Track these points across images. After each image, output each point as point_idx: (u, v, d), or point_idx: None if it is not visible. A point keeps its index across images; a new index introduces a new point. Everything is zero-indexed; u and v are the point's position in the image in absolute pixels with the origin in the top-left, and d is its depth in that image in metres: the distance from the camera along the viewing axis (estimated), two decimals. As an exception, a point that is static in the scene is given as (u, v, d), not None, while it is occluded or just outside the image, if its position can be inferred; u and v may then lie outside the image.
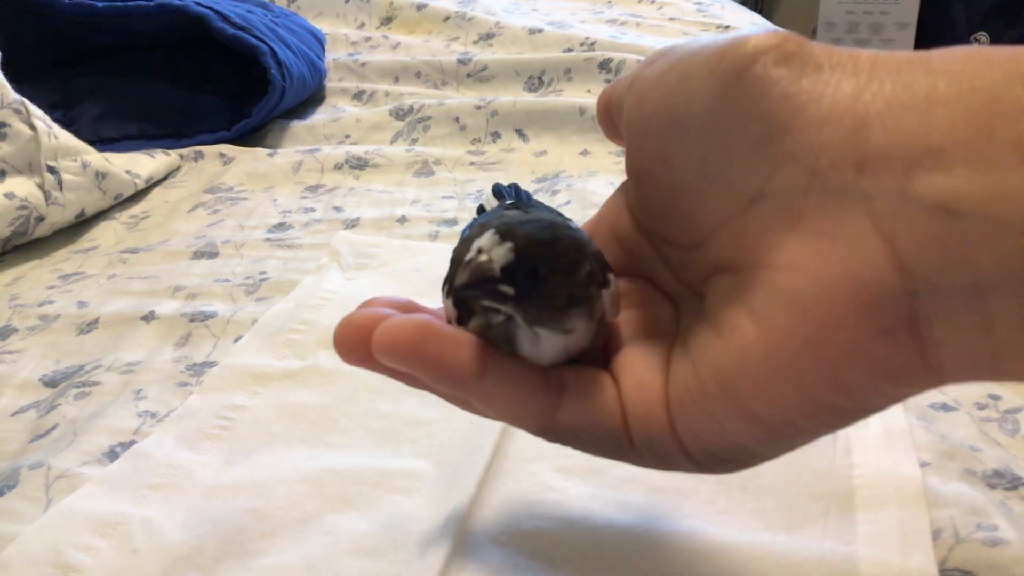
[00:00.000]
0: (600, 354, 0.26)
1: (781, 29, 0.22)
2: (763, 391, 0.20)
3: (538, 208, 0.29)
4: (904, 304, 0.19)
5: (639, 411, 0.23)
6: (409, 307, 0.26)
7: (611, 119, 0.28)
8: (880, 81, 0.20)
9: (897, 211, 0.19)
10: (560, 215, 0.28)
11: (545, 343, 0.24)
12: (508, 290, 0.22)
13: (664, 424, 0.23)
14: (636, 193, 0.27)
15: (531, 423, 0.24)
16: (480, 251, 0.23)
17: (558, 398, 0.24)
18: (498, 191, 0.36)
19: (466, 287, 0.22)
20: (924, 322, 0.19)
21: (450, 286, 0.25)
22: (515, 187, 0.37)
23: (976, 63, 0.19)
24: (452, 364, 0.22)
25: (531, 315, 0.23)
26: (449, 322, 0.25)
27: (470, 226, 0.30)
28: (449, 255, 0.27)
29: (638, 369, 0.24)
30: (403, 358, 0.22)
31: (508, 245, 0.22)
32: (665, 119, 0.23)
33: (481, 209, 0.36)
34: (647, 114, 0.24)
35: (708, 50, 0.22)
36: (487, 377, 0.23)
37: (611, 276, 0.25)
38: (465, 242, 0.25)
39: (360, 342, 0.23)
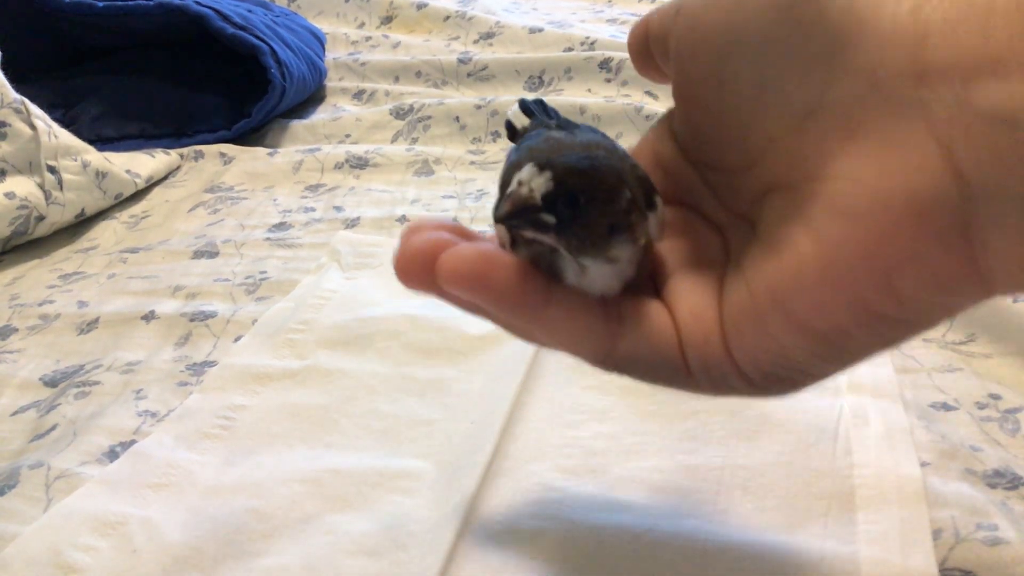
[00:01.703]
0: (649, 282, 0.26)
1: None
2: (818, 303, 0.21)
3: (582, 130, 0.28)
4: (958, 210, 0.19)
5: (695, 338, 0.24)
6: (460, 231, 0.26)
7: (647, 50, 0.28)
8: None
9: (955, 119, 0.19)
10: (605, 138, 0.28)
11: (593, 273, 0.24)
12: (549, 219, 0.23)
13: (720, 348, 0.23)
14: (684, 118, 0.27)
15: (591, 352, 0.24)
16: (520, 183, 0.23)
17: (618, 327, 0.24)
18: (526, 107, 0.34)
19: (508, 217, 0.23)
20: (977, 229, 0.19)
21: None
22: (541, 103, 0.35)
23: None
24: (517, 293, 0.23)
25: (573, 245, 0.23)
26: (502, 247, 0.25)
27: (516, 150, 0.29)
28: None
29: (691, 297, 0.24)
30: (469, 286, 0.23)
31: (547, 175, 0.22)
32: (721, 39, 0.23)
33: (510, 125, 0.35)
34: (700, 36, 0.24)
35: None
36: (551, 305, 0.23)
37: (658, 199, 0.25)
38: (511, 168, 0.25)
39: (423, 268, 0.23)
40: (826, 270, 0.20)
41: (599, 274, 0.24)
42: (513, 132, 0.35)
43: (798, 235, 0.21)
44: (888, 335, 0.21)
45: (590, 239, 0.23)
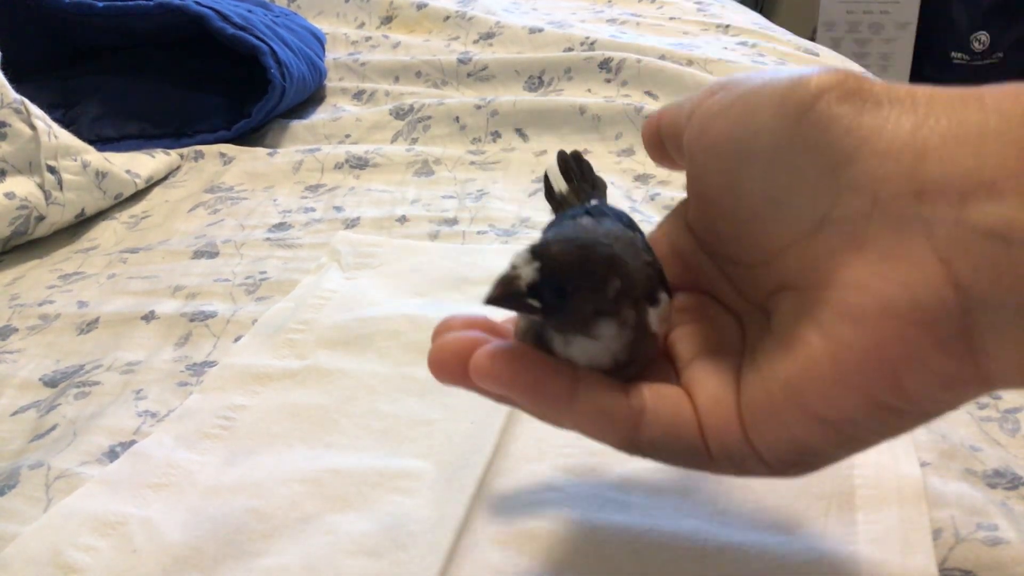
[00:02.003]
0: (670, 368, 0.28)
1: (842, 67, 0.24)
2: (829, 397, 0.22)
3: (610, 218, 0.30)
4: (959, 319, 0.21)
5: (715, 425, 0.25)
6: (488, 326, 0.27)
7: (661, 145, 0.30)
8: (936, 117, 0.21)
9: (954, 236, 0.20)
10: (631, 227, 0.29)
11: (576, 346, 0.25)
12: (535, 304, 0.24)
13: (739, 435, 0.24)
14: (698, 214, 0.29)
15: (617, 439, 0.26)
16: (513, 267, 0.25)
17: (640, 416, 0.25)
18: (562, 160, 0.35)
19: (495, 301, 0.25)
20: (977, 335, 0.21)
21: None
22: (578, 159, 0.36)
23: None
24: (545, 389, 0.25)
25: (558, 325, 0.25)
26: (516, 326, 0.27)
27: (545, 232, 0.31)
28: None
29: (711, 384, 0.26)
30: (501, 383, 0.25)
31: (536, 265, 0.24)
32: (731, 149, 0.25)
33: (547, 180, 0.36)
34: (711, 143, 0.26)
35: (773, 86, 0.24)
36: (578, 400, 0.25)
37: (662, 296, 0.27)
38: None
39: (457, 366, 0.25)
40: (837, 368, 0.22)
41: (584, 348, 0.26)
42: (550, 190, 0.37)
43: (810, 335, 0.23)
44: (896, 425, 0.23)
45: (574, 322, 0.25)
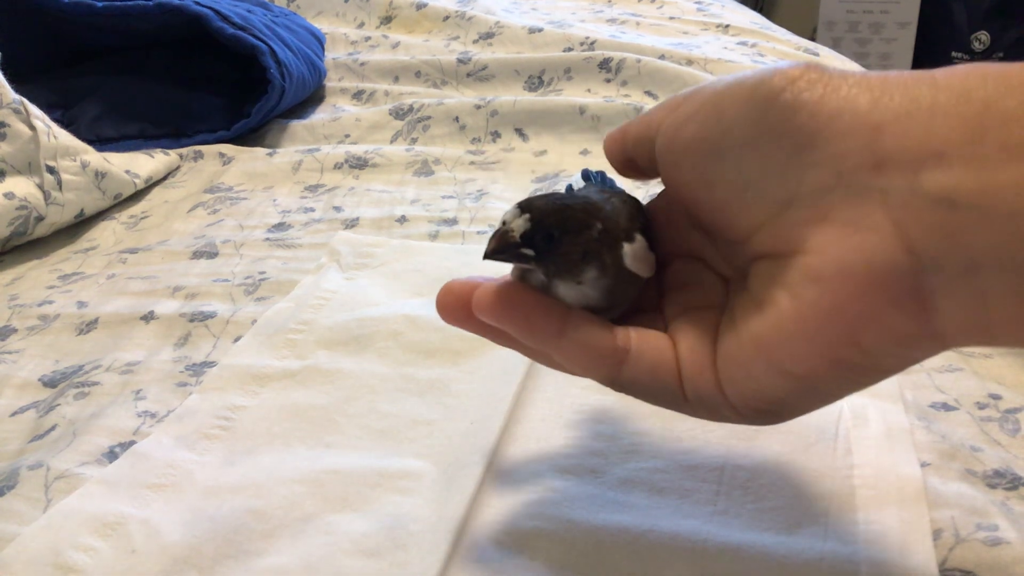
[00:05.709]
0: (659, 318, 0.30)
1: (805, 60, 0.26)
2: (794, 352, 0.24)
3: (594, 186, 0.33)
4: (911, 279, 0.22)
5: (692, 371, 0.27)
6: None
7: (626, 157, 0.32)
8: (890, 96, 0.23)
9: (907, 203, 0.22)
10: (622, 193, 0.32)
11: (561, 291, 0.28)
12: (529, 252, 0.27)
13: (712, 383, 0.27)
14: (680, 205, 0.31)
15: (601, 375, 0.28)
16: (504, 223, 0.27)
17: (624, 354, 0.28)
18: (586, 176, 0.38)
19: (493, 254, 0.27)
20: (928, 294, 0.22)
21: None
22: (601, 174, 0.38)
23: (973, 78, 0.23)
24: (538, 323, 0.27)
25: (551, 270, 0.28)
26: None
27: None
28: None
29: (691, 336, 0.28)
30: (498, 316, 0.27)
31: (526, 216, 0.27)
32: (702, 150, 0.27)
33: (570, 189, 0.39)
34: (681, 148, 0.28)
35: (740, 85, 0.26)
36: (566, 335, 0.27)
37: (638, 235, 0.29)
38: None
39: (461, 304, 0.29)
40: (801, 325, 0.24)
41: (566, 291, 0.28)
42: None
43: (779, 296, 0.25)
44: (856, 379, 0.25)
45: (565, 265, 0.27)
